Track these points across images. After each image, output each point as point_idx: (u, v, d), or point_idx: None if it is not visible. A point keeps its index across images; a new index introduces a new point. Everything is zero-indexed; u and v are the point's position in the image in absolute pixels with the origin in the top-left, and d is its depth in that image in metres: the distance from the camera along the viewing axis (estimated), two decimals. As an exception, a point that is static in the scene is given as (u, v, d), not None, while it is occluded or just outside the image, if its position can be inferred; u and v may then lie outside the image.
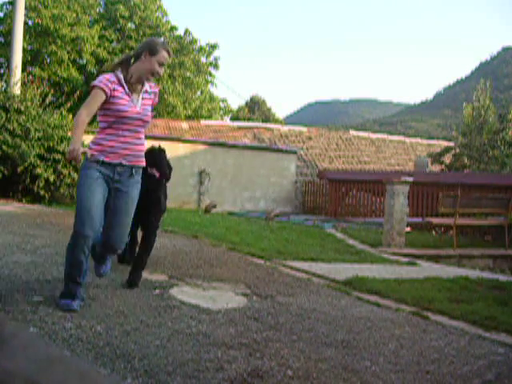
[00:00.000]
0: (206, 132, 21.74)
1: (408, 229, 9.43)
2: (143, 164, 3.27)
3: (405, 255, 7.35)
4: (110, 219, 3.15)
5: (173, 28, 28.51)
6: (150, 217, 3.85)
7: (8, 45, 18.83)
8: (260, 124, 26.32)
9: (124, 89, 3.13)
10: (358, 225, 10.89)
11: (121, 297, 3.35)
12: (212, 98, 30.05)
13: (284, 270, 5.06)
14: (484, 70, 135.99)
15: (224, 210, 13.52)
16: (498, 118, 22.63)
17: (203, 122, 23.73)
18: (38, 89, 11.04)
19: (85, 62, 25.20)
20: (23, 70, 14.22)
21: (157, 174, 3.77)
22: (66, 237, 5.74)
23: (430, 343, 3.05)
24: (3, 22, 24.01)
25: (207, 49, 28.58)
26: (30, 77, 12.30)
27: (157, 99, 3.36)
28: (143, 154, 3.27)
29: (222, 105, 31.59)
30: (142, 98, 3.21)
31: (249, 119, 38.98)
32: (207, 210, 12.11)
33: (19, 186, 9.98)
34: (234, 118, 38.48)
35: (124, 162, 3.11)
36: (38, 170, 9.72)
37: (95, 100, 3.04)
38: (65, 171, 10.09)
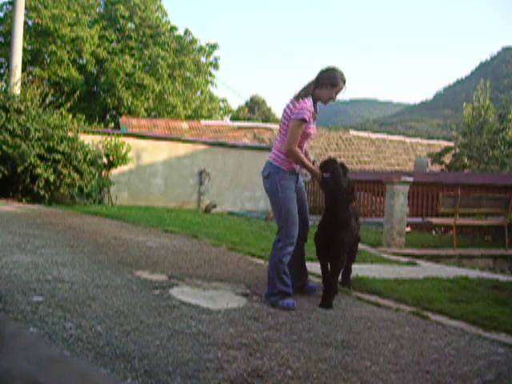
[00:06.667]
0: (206, 132, 21.75)
1: (408, 229, 9.43)
2: None
3: (405, 255, 7.35)
4: None
5: (173, 28, 28.50)
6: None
7: (8, 45, 18.85)
8: (260, 124, 26.33)
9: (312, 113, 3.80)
10: (357, 225, 10.87)
11: (121, 297, 3.35)
12: (212, 98, 30.05)
13: (284, 270, 5.05)
14: (484, 70, 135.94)
15: (224, 210, 13.51)
16: (498, 117, 22.63)
17: (203, 122, 23.74)
18: (37, 89, 11.02)
19: (85, 62, 25.21)
20: (23, 70, 14.23)
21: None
22: (65, 237, 5.74)
23: (430, 343, 3.05)
24: (3, 22, 24.03)
25: (207, 49, 28.57)
26: (30, 77, 12.29)
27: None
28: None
29: (221, 105, 31.59)
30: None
31: (249, 119, 38.99)
32: (207, 210, 12.10)
33: (19, 186, 9.98)
34: (234, 118, 38.48)
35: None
36: (38, 170, 9.71)
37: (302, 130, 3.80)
38: (65, 171, 10.07)
